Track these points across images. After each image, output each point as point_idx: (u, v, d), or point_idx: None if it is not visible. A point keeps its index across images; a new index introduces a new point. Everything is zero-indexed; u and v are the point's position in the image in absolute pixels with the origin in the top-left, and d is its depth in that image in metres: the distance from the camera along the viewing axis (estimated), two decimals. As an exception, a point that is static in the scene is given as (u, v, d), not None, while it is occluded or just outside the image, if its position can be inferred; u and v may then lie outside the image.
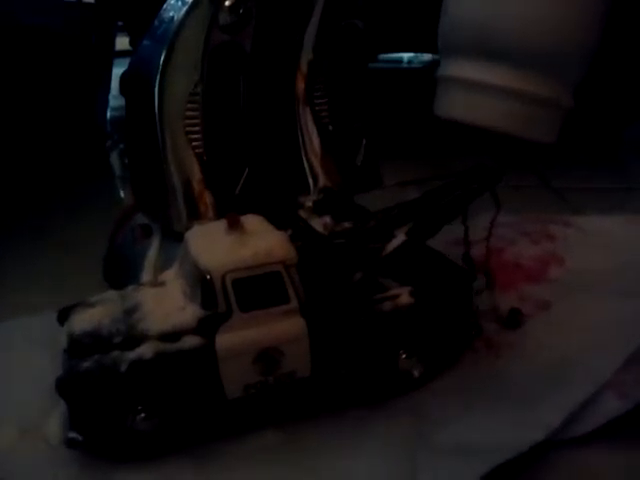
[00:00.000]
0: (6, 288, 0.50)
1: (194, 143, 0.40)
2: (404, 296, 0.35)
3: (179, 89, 0.39)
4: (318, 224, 0.40)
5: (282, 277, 0.32)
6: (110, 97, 0.83)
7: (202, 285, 0.32)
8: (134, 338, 0.32)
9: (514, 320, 0.41)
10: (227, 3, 0.37)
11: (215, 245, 0.33)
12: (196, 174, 0.40)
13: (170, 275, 0.36)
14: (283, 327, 0.33)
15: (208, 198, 0.40)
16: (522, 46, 0.40)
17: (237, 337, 0.32)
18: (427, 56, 0.94)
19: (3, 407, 0.36)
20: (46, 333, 0.38)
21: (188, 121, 0.39)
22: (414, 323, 0.35)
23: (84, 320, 0.34)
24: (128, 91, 0.42)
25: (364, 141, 0.45)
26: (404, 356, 0.36)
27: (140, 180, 0.44)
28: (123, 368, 0.31)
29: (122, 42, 0.87)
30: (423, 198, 0.39)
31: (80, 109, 0.76)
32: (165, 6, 0.39)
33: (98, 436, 0.32)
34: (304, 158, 0.43)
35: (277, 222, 0.35)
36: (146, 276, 0.40)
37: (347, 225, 0.40)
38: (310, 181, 0.44)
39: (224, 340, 0.32)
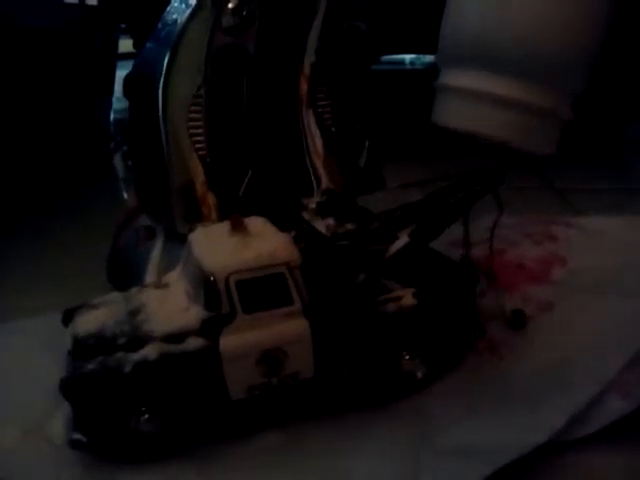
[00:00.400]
0: (9, 289, 0.50)
1: (197, 145, 0.40)
2: (407, 297, 0.35)
3: (183, 91, 0.39)
4: (321, 226, 0.40)
5: (285, 279, 0.32)
6: (113, 99, 0.84)
7: (206, 287, 0.32)
8: (138, 339, 0.32)
9: (518, 321, 0.41)
10: (230, 5, 0.37)
11: (218, 247, 0.33)
12: (199, 176, 0.40)
13: (174, 277, 0.36)
14: (286, 328, 0.33)
15: (211, 200, 0.40)
16: (522, 56, 0.41)
17: (241, 338, 0.32)
18: (429, 57, 0.94)
19: (6, 408, 0.36)
20: (49, 334, 0.38)
21: (191, 123, 0.39)
22: (417, 324, 0.35)
23: (88, 322, 0.34)
24: (132, 93, 0.42)
25: (367, 143, 0.45)
26: (407, 357, 0.36)
27: (143, 182, 0.44)
28: (127, 369, 0.31)
29: (125, 44, 0.88)
30: (426, 200, 0.39)
31: (83, 111, 0.77)
32: (168, 9, 0.39)
33: (102, 437, 0.33)
34: (307, 160, 0.44)
35: (280, 224, 0.35)
36: (150, 278, 0.41)
37: (350, 227, 0.40)
38: (313, 183, 0.44)
39: (228, 341, 0.32)
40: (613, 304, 0.41)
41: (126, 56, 0.84)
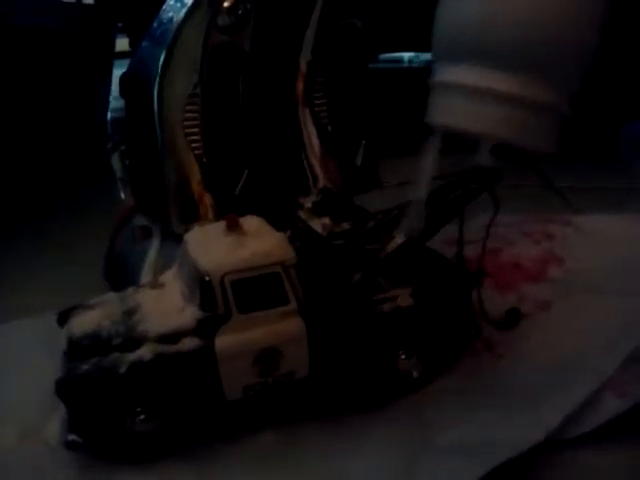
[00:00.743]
0: (6, 290, 0.50)
1: (193, 144, 0.40)
2: (403, 297, 0.35)
3: (178, 90, 0.39)
4: (317, 225, 0.40)
5: (281, 278, 0.32)
6: (111, 98, 0.84)
7: (201, 286, 0.32)
8: (133, 340, 0.32)
9: (512, 319, 0.41)
10: (226, 4, 0.37)
11: (214, 246, 0.33)
12: (195, 175, 0.40)
13: (169, 276, 0.36)
14: (282, 328, 0.33)
15: (207, 199, 0.40)
16: (521, 51, 0.40)
17: (236, 338, 0.32)
18: (428, 55, 0.94)
19: (3, 409, 0.36)
20: (46, 335, 0.38)
21: (187, 122, 0.39)
22: (413, 324, 0.35)
23: (83, 322, 0.34)
24: (127, 93, 0.42)
25: (363, 142, 0.45)
26: (404, 357, 0.36)
27: (140, 181, 0.44)
28: (122, 370, 0.31)
29: (123, 44, 0.88)
30: (422, 198, 0.39)
31: (80, 110, 0.76)
32: (164, 7, 0.39)
33: (98, 438, 0.32)
34: (303, 159, 0.44)
35: (276, 223, 0.35)
36: (145, 278, 0.41)
37: (346, 226, 0.40)
38: (309, 182, 0.44)
39: (223, 341, 0.32)
40: (610, 303, 0.41)
41: (123, 55, 0.84)
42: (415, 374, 0.36)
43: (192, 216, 0.40)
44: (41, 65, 0.71)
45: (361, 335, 0.34)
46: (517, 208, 0.52)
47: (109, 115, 0.85)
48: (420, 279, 0.36)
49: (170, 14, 0.38)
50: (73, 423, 0.32)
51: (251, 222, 0.34)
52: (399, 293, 0.35)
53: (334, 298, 0.34)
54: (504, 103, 0.41)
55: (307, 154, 0.44)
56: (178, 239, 0.37)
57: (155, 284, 0.36)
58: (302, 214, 0.41)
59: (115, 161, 0.46)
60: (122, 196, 0.48)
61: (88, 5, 0.83)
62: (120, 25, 0.83)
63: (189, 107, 0.39)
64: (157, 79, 0.38)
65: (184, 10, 0.37)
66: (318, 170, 0.44)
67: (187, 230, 0.36)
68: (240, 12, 0.37)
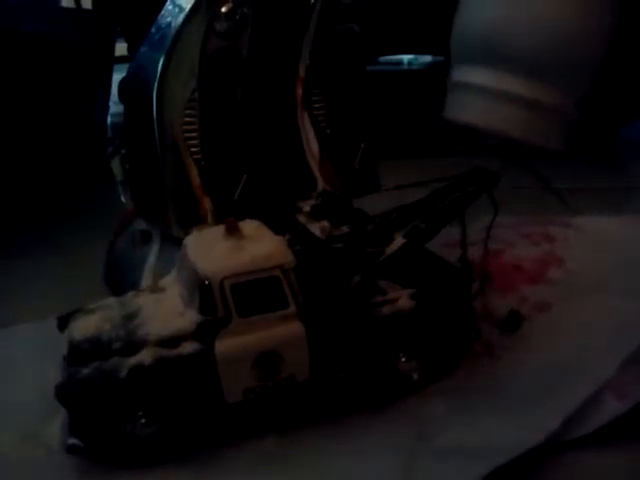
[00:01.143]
0: (8, 294, 0.50)
1: (192, 149, 0.40)
2: (403, 299, 0.35)
3: (177, 95, 0.39)
4: (316, 228, 0.40)
5: (280, 282, 0.32)
6: (111, 103, 0.84)
7: (200, 291, 0.32)
8: (134, 344, 0.32)
9: (513, 322, 0.41)
10: (223, 9, 0.37)
11: (213, 250, 0.33)
12: (194, 180, 0.40)
13: (169, 281, 0.36)
14: (282, 331, 0.33)
15: (206, 204, 0.40)
16: (533, 55, 0.41)
17: (236, 342, 0.32)
18: (427, 58, 0.94)
19: (3, 412, 0.36)
20: (46, 339, 0.38)
21: (186, 127, 0.39)
22: (413, 326, 0.35)
23: (84, 326, 0.34)
24: (126, 98, 0.42)
25: (362, 145, 0.45)
26: (403, 359, 0.36)
27: (139, 186, 0.44)
28: (123, 374, 0.31)
29: (122, 48, 0.88)
30: (421, 201, 0.39)
31: (80, 115, 0.77)
32: (162, 13, 0.39)
33: (98, 442, 0.32)
34: (302, 163, 0.44)
35: (275, 227, 0.35)
36: (145, 282, 0.41)
37: (345, 229, 0.40)
38: (308, 185, 0.44)
39: (223, 345, 0.32)
40: (610, 304, 0.41)
41: (123, 60, 0.85)
42: (415, 376, 0.36)
43: (191, 220, 0.40)
44: (41, 70, 0.71)
45: (361, 338, 0.34)
46: (516, 210, 0.52)
47: (109, 119, 0.85)
48: (420, 281, 0.36)
49: (168, 19, 0.38)
50: (73, 427, 0.32)
51: (250, 226, 0.35)
52: (399, 295, 0.35)
53: (334, 301, 0.34)
54: (515, 103, 0.42)
55: (306, 158, 0.44)
56: (178, 243, 0.37)
57: (155, 288, 0.36)
58: (301, 218, 0.41)
59: (115, 165, 0.46)
60: (122, 200, 0.48)
61: (87, 10, 0.83)
62: (119, 30, 0.83)
63: (188, 112, 0.39)
64: (156, 84, 0.38)
65: (182, 15, 0.37)
66: (317, 173, 0.44)
67: (186, 234, 0.36)
68: (238, 17, 0.38)
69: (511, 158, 0.46)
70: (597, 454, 0.33)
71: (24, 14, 0.72)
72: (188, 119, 0.39)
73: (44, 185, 0.69)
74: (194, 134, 0.40)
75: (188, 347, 0.32)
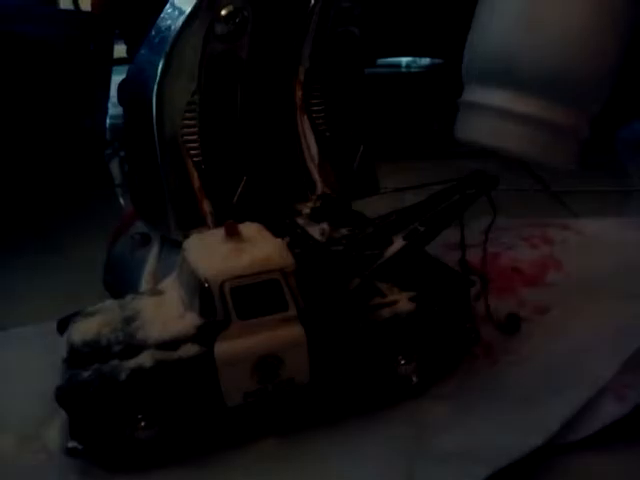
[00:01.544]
0: (7, 297, 0.50)
1: (192, 152, 0.40)
2: (402, 302, 0.35)
3: (177, 98, 0.39)
4: (316, 231, 0.40)
5: (280, 284, 0.32)
6: (110, 105, 0.84)
7: (200, 293, 0.32)
8: (133, 347, 0.32)
9: (512, 325, 0.41)
10: (223, 12, 0.37)
11: (213, 253, 0.33)
12: (194, 182, 0.40)
13: (169, 283, 0.36)
14: (282, 334, 0.33)
15: (206, 206, 0.40)
16: (548, 76, 0.42)
17: (236, 345, 0.32)
18: (425, 60, 0.94)
19: (3, 415, 0.36)
20: (46, 342, 0.38)
21: (186, 130, 0.39)
22: (413, 329, 0.35)
23: (83, 329, 0.34)
24: (126, 100, 0.42)
25: (361, 147, 0.45)
26: (403, 362, 0.36)
27: (138, 188, 0.44)
28: (122, 377, 0.31)
29: (121, 50, 0.88)
30: (421, 204, 0.39)
31: (79, 117, 0.77)
32: (162, 15, 0.39)
33: (98, 445, 0.32)
34: (302, 165, 0.44)
35: (275, 230, 0.35)
36: (145, 285, 0.41)
37: (345, 232, 0.40)
38: (308, 188, 0.44)
39: (223, 348, 0.32)
40: (609, 307, 0.42)
41: (122, 61, 0.85)
42: (414, 379, 0.36)
43: (191, 223, 0.40)
44: (39, 72, 0.71)
45: (360, 341, 0.34)
46: (515, 213, 0.53)
47: (108, 121, 0.85)
48: (419, 284, 0.36)
49: (168, 22, 0.38)
50: (73, 430, 0.32)
51: (250, 229, 0.35)
52: (398, 298, 0.35)
53: (333, 304, 0.34)
54: (529, 124, 0.42)
55: (305, 160, 0.44)
56: (177, 246, 0.37)
57: (154, 291, 0.36)
58: (300, 220, 0.41)
59: (114, 167, 0.46)
60: (121, 202, 0.48)
61: (85, 12, 0.84)
62: (118, 32, 0.83)
63: (187, 115, 0.39)
64: (155, 87, 0.38)
65: (182, 18, 0.37)
66: (316, 176, 0.44)
67: (186, 237, 0.36)
68: (238, 20, 0.38)
69: (510, 161, 0.46)
70: (596, 456, 0.33)
71: (23, 17, 0.72)
72: (188, 122, 0.39)
73: (43, 187, 0.69)
74: (194, 137, 0.40)
75: (188, 350, 0.32)
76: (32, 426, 0.35)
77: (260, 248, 0.33)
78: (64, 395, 0.31)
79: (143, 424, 0.32)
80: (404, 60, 1.01)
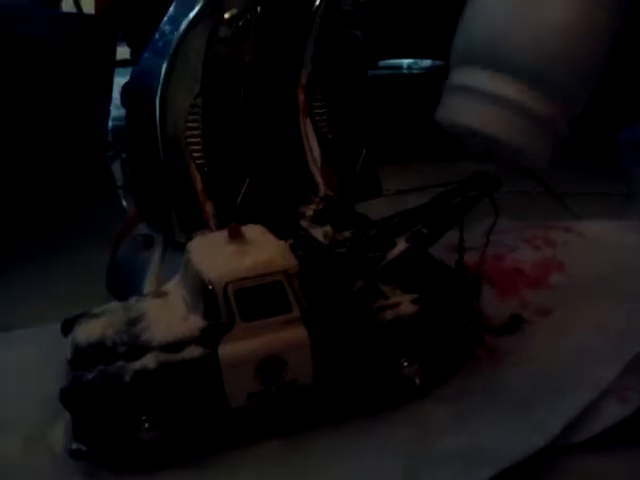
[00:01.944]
0: (12, 298, 0.50)
1: (195, 154, 0.40)
2: (405, 304, 0.36)
3: (180, 101, 0.39)
4: (319, 233, 0.40)
5: (284, 286, 0.32)
6: (112, 107, 0.84)
7: (204, 295, 0.32)
8: (138, 348, 0.32)
9: (515, 326, 0.41)
10: (227, 16, 0.37)
11: (217, 255, 0.33)
12: (197, 185, 0.40)
13: (172, 285, 0.36)
14: (285, 336, 0.33)
15: (209, 208, 0.41)
16: (532, 63, 0.42)
17: (240, 347, 0.32)
18: (426, 62, 0.94)
19: (8, 417, 0.36)
20: (50, 343, 0.38)
21: (189, 132, 0.40)
22: (416, 331, 0.36)
23: (88, 331, 0.34)
24: (129, 103, 0.42)
25: (364, 150, 0.45)
26: (406, 364, 0.36)
27: (142, 191, 0.44)
28: (127, 378, 0.31)
29: (123, 52, 0.88)
30: (423, 206, 0.39)
31: (81, 119, 0.77)
32: (165, 19, 0.39)
33: (102, 447, 0.33)
34: (304, 168, 0.44)
35: (278, 232, 0.35)
36: (149, 286, 0.41)
37: (348, 234, 0.40)
38: (310, 190, 0.44)
39: (227, 350, 0.32)
40: (611, 309, 0.41)
41: (124, 63, 0.85)
42: (417, 381, 0.36)
43: (194, 225, 0.41)
44: (42, 74, 0.71)
45: (363, 342, 0.35)
46: (517, 215, 0.53)
47: (110, 123, 0.86)
48: (422, 286, 0.37)
49: (172, 26, 0.38)
50: (77, 431, 0.32)
51: (253, 231, 0.35)
52: (401, 300, 0.36)
53: (337, 306, 0.34)
54: (511, 109, 0.42)
55: (308, 163, 0.44)
56: (181, 248, 0.37)
57: (158, 293, 0.36)
58: (303, 222, 0.41)
59: (116, 169, 0.47)
60: (123, 204, 0.48)
61: (88, 15, 0.84)
62: (120, 34, 0.83)
63: (191, 117, 0.39)
64: (159, 90, 0.39)
65: (186, 22, 0.38)
66: (319, 178, 0.44)
67: (189, 239, 0.36)
68: (241, 23, 0.38)
69: (512, 163, 0.46)
70: (598, 457, 0.33)
71: (25, 19, 0.72)
72: (191, 124, 0.39)
73: (45, 189, 0.69)
74: (197, 139, 0.40)
75: (192, 352, 0.32)
76: (36, 427, 0.35)
77: (263, 250, 0.33)
78: (68, 396, 0.32)
79: (147, 425, 0.32)
80: (405, 62, 1.01)
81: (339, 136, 0.44)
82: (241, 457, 0.33)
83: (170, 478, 0.33)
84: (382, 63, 0.94)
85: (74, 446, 0.32)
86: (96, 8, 0.82)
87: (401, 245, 0.37)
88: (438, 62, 0.90)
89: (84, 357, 0.33)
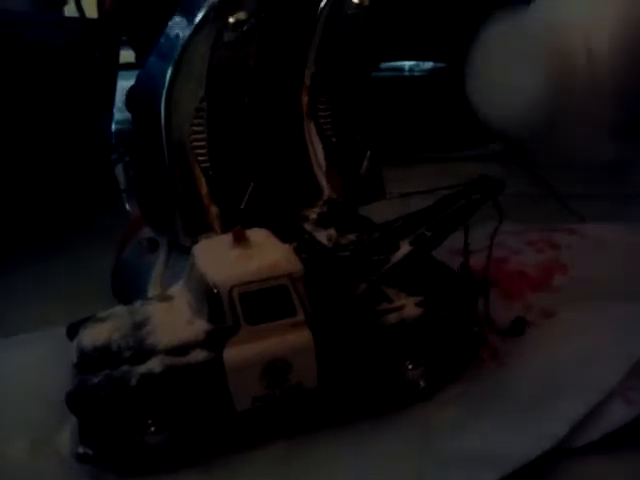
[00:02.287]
0: (15, 303, 0.50)
1: (200, 158, 0.40)
2: (410, 307, 0.36)
3: (185, 105, 0.39)
4: (323, 236, 0.40)
5: (288, 290, 0.33)
6: (115, 110, 0.84)
7: (209, 299, 0.32)
8: (143, 352, 0.32)
9: (518, 329, 0.41)
10: (231, 20, 0.38)
11: (221, 259, 0.33)
12: (202, 188, 0.40)
13: (177, 289, 0.36)
14: (290, 339, 0.33)
15: (214, 212, 0.41)
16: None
17: (245, 350, 0.32)
18: (428, 64, 0.95)
19: (14, 421, 0.37)
20: (55, 348, 0.38)
21: (194, 136, 0.40)
22: (420, 334, 0.36)
23: (94, 335, 0.34)
24: (135, 107, 0.43)
25: (368, 153, 0.46)
26: (410, 367, 0.36)
27: (147, 194, 0.45)
28: (133, 382, 0.32)
29: (126, 55, 0.88)
30: (427, 209, 0.39)
31: (84, 123, 0.77)
32: (170, 24, 0.40)
33: (108, 450, 0.33)
34: (309, 171, 0.44)
35: (282, 235, 0.35)
36: (154, 290, 0.41)
37: (352, 237, 0.40)
38: (315, 194, 0.44)
39: (232, 353, 0.32)
40: (615, 310, 0.42)
41: (127, 66, 0.85)
42: (422, 383, 0.36)
43: (199, 228, 0.41)
44: (43, 77, 0.71)
45: (368, 345, 0.35)
46: (521, 217, 0.53)
47: (113, 127, 0.86)
48: (426, 289, 0.37)
49: (177, 30, 0.39)
50: (84, 435, 0.32)
51: (258, 234, 0.35)
52: (405, 303, 0.36)
53: (341, 309, 0.34)
54: None
55: (312, 166, 0.44)
56: (185, 251, 0.37)
57: (163, 297, 0.37)
58: (307, 226, 0.41)
59: (119, 172, 0.47)
60: (127, 207, 0.48)
61: (91, 19, 0.84)
62: (124, 39, 0.83)
63: (195, 121, 0.40)
64: (164, 94, 0.39)
65: (191, 26, 0.38)
66: (323, 182, 0.44)
67: (194, 242, 0.36)
68: (245, 28, 0.38)
69: (516, 165, 0.46)
70: (601, 459, 0.33)
71: (28, 23, 0.72)
72: (196, 128, 0.40)
73: (48, 193, 0.69)
74: (202, 143, 0.40)
75: (197, 355, 0.32)
76: (42, 431, 0.35)
77: (268, 254, 0.33)
78: (74, 400, 0.32)
79: (153, 429, 0.32)
80: (407, 64, 1.01)
81: (343, 139, 0.45)
82: (246, 460, 0.34)
83: (176, 481, 0.33)
84: (383, 65, 0.94)
85: (80, 450, 0.32)
86: (100, 12, 0.82)
87: (405, 248, 0.37)
88: (439, 64, 0.90)
89: (90, 361, 0.33)
